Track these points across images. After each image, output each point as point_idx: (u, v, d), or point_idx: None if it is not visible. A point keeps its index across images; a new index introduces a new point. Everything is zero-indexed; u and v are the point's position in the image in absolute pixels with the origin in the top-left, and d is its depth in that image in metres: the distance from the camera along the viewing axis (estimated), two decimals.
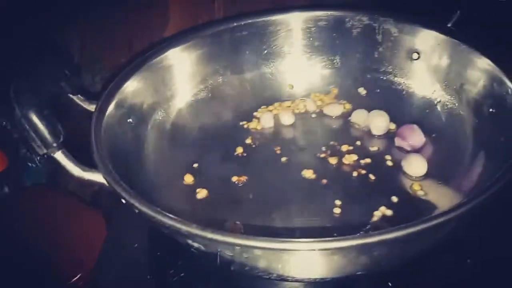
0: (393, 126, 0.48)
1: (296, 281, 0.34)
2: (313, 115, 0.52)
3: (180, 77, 0.48)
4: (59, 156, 0.32)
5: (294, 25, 0.53)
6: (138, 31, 0.74)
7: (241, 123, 0.51)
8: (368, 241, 0.25)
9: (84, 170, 0.33)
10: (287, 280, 0.33)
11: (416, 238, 0.27)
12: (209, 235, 0.26)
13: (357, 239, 0.25)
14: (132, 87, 0.42)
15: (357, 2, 0.55)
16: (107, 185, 0.33)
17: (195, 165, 0.47)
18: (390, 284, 0.35)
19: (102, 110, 0.38)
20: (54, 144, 0.31)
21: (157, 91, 0.45)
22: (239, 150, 0.48)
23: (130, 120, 0.43)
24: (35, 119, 0.30)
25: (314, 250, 0.25)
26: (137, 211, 0.32)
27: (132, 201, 0.30)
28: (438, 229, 0.28)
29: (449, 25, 0.46)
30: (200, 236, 0.27)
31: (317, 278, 0.32)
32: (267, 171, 0.46)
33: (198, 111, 0.49)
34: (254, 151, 0.48)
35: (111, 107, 0.39)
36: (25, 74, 0.31)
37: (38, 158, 0.85)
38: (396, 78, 0.51)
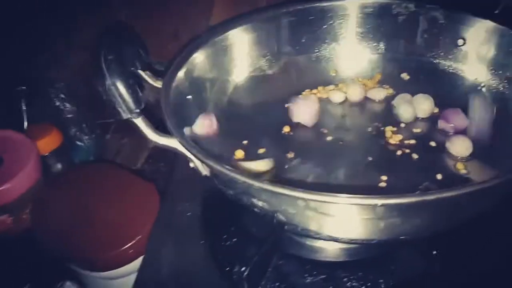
0: (436, 110, 0.50)
1: (343, 242, 0.36)
2: (357, 99, 0.54)
3: (238, 56, 0.51)
4: (139, 122, 0.36)
5: (341, 12, 0.55)
6: (183, 21, 0.78)
7: (286, 105, 0.54)
8: (419, 199, 0.27)
9: (160, 136, 0.36)
10: (336, 241, 0.36)
11: (461, 201, 0.29)
12: (280, 190, 0.29)
13: (407, 197, 0.28)
14: (197, 60, 0.46)
15: None
16: (179, 149, 0.36)
17: (245, 141, 0.49)
18: (435, 252, 0.37)
19: (170, 80, 0.41)
20: (137, 110, 0.35)
21: (218, 68, 0.49)
22: (286, 129, 0.51)
23: (190, 97, 0.46)
24: (121, 87, 0.34)
25: (376, 205, 0.27)
26: (206, 173, 0.35)
27: (208, 161, 0.33)
28: (483, 194, 0.30)
29: (496, 11, 0.48)
30: (270, 191, 0.29)
31: (363, 240, 0.35)
32: (314, 148, 0.48)
33: (251, 90, 0.52)
34: (300, 130, 0.51)
35: (178, 78, 0.43)
36: (112, 49, 0.35)
37: (86, 137, 0.90)
38: (440, 63, 0.53)
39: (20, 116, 0.80)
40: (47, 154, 0.73)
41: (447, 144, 0.46)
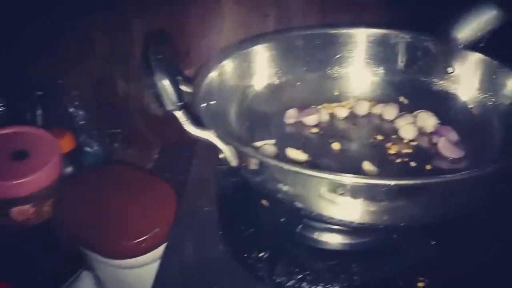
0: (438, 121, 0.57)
1: (353, 226, 0.41)
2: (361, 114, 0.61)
3: (258, 69, 0.58)
4: (180, 114, 0.41)
5: (349, 39, 0.62)
6: (195, 42, 0.84)
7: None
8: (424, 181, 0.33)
9: (197, 128, 0.41)
10: (346, 225, 0.41)
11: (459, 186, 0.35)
12: (312, 172, 0.34)
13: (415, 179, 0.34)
14: (224, 68, 0.52)
15: (401, 22, 0.64)
16: (212, 141, 0.41)
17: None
18: (433, 242, 0.43)
19: (201, 84, 0.47)
20: (179, 104, 0.40)
21: (240, 77, 0.55)
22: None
23: (213, 102, 0.52)
24: (167, 83, 0.39)
25: (389, 185, 0.33)
26: (235, 163, 0.40)
27: (242, 149, 0.38)
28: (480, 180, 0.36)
29: (481, 45, 0.55)
30: (301, 173, 0.35)
31: (371, 224, 0.40)
32: (324, 153, 0.54)
33: (267, 99, 0.58)
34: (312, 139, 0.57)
35: (206, 83, 0.48)
36: (160, 50, 0.41)
37: (96, 144, 0.94)
38: (432, 87, 0.60)
39: (34, 120, 0.84)
40: None
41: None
